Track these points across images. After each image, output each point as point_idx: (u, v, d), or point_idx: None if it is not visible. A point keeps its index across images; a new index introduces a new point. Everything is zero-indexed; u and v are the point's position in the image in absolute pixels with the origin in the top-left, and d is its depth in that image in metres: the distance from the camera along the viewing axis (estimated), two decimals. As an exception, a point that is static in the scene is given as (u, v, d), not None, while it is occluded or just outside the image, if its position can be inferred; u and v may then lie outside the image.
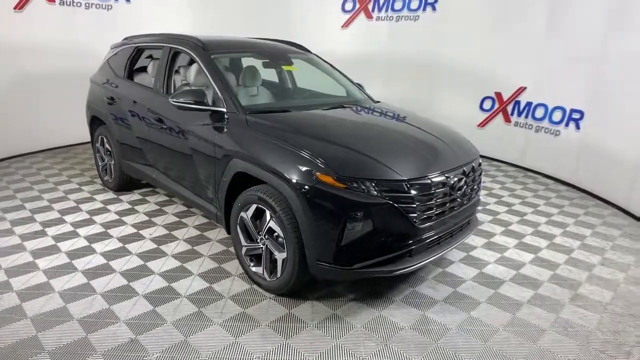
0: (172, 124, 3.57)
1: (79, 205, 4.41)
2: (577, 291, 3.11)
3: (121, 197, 4.64)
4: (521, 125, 6.10)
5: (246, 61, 4.15)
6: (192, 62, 3.69)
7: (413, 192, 2.57)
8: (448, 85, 6.82)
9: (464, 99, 6.70)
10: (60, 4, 6.17)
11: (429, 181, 2.64)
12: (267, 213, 2.77)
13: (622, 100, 4.70)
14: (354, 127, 3.16)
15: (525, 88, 5.97)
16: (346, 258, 2.54)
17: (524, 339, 2.57)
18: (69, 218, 4.11)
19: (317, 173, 2.51)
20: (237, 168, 2.93)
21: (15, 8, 5.77)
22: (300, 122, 3.08)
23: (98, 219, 4.11)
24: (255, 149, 2.84)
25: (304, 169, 2.55)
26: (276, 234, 2.77)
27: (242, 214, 2.96)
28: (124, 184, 4.69)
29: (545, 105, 5.74)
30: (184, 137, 3.44)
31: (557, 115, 5.59)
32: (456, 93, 6.77)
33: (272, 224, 2.76)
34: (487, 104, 6.46)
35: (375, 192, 2.50)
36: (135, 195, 4.70)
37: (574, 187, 5.42)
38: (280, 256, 2.77)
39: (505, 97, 6.23)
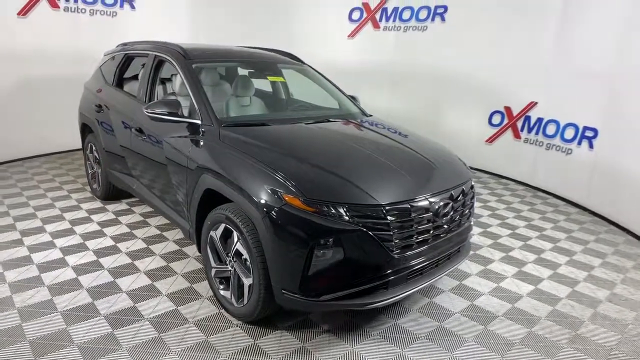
0: (151, 134, 3.42)
1: (63, 214, 4.29)
2: (577, 331, 2.80)
3: (107, 207, 4.52)
4: (531, 142, 5.78)
5: (233, 71, 3.98)
6: None
7: (390, 218, 2.34)
8: (456, 98, 6.55)
9: (472, 113, 6.42)
10: (64, 10, 6.16)
11: (409, 206, 2.41)
12: (235, 234, 2.57)
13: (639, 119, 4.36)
14: (333, 144, 2.94)
15: (536, 103, 5.67)
16: (313, 288, 2.31)
17: (510, 387, 2.30)
18: (49, 227, 3.99)
19: (284, 194, 2.31)
20: (207, 184, 2.75)
21: (19, 14, 5.77)
22: (275, 138, 2.88)
23: (79, 229, 3.98)
24: (223, 164, 2.66)
25: (269, 189, 2.35)
26: (244, 257, 2.57)
27: (212, 233, 2.77)
28: (112, 193, 4.56)
29: (557, 122, 5.42)
30: (161, 148, 3.29)
31: (569, 133, 5.26)
32: (464, 107, 6.49)
33: (239, 247, 2.56)
34: (496, 119, 6.17)
35: (347, 218, 2.27)
36: (122, 205, 4.57)
37: (585, 209, 5.07)
38: (247, 281, 2.56)
39: (515, 112, 5.93)
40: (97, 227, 4.04)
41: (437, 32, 6.56)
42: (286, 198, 2.29)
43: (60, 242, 3.72)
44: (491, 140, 6.29)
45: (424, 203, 2.48)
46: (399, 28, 6.93)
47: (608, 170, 4.79)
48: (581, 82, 5.03)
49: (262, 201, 2.34)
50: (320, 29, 7.58)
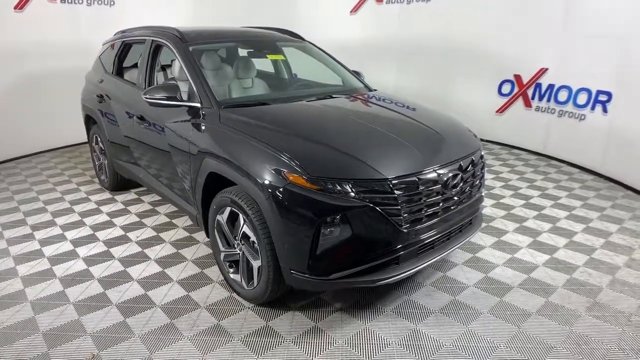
0: (153, 121, 3.38)
1: (73, 207, 4.30)
2: (596, 299, 2.73)
3: (116, 197, 4.52)
4: (543, 109, 5.62)
5: (234, 51, 3.90)
6: None
7: (397, 192, 2.27)
8: (464, 69, 6.38)
9: (481, 84, 6.25)
10: (61, 1, 6.07)
11: (416, 179, 2.33)
12: (241, 217, 2.53)
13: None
14: (335, 120, 2.86)
15: (546, 69, 5.49)
16: (322, 267, 2.27)
17: (528, 358, 2.24)
18: (60, 220, 4.00)
19: (288, 173, 2.25)
20: (210, 168, 2.70)
21: (15, 8, 5.71)
22: (276, 117, 2.81)
23: (88, 220, 3.99)
24: (224, 146, 2.60)
25: (272, 168, 2.29)
26: (251, 239, 2.53)
27: (218, 217, 2.74)
28: (119, 184, 4.56)
29: (568, 87, 5.25)
30: (163, 135, 3.25)
31: (582, 98, 5.10)
32: (473, 78, 6.32)
33: (246, 229, 2.52)
34: (506, 88, 6.00)
35: (352, 194, 2.21)
36: (130, 195, 4.57)
37: (601, 176, 4.94)
38: (255, 264, 2.54)
39: (525, 80, 5.76)
40: (107, 218, 4.04)
41: (441, 2, 6.35)
42: (290, 177, 2.24)
43: (71, 234, 3.73)
44: (501, 110, 6.13)
45: (432, 175, 2.41)
46: (402, 0, 6.73)
47: (624, 134, 4.63)
48: (593, 45, 4.85)
49: (266, 182, 2.29)
50: (321, 6, 7.40)
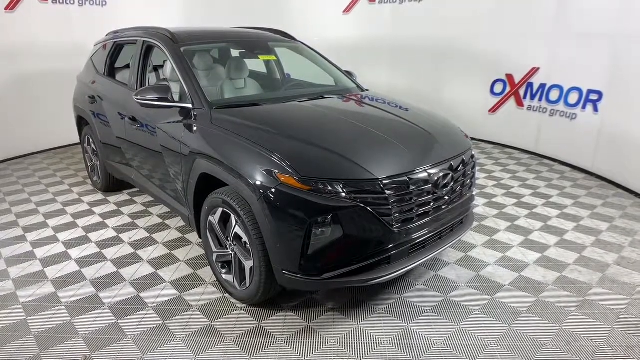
0: (145, 122, 3.37)
1: (65, 208, 4.29)
2: (585, 296, 2.76)
3: (109, 198, 4.50)
4: (535, 109, 5.66)
5: (226, 52, 3.90)
6: None
7: (388, 192, 2.29)
8: (456, 69, 6.42)
9: (473, 84, 6.29)
10: (52, 2, 6.05)
11: (407, 179, 2.35)
12: (233, 218, 2.54)
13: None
14: (326, 120, 2.86)
15: (538, 69, 5.53)
16: (314, 267, 2.28)
17: (518, 356, 2.26)
18: (52, 222, 3.99)
19: (279, 174, 2.25)
20: (202, 169, 2.70)
21: (6, 9, 5.67)
22: (267, 117, 2.82)
23: (81, 222, 3.97)
24: (216, 147, 2.61)
25: (263, 169, 2.30)
26: (243, 240, 2.54)
27: (210, 217, 2.74)
28: (112, 185, 4.54)
29: (560, 87, 5.29)
30: (155, 136, 3.24)
31: (573, 97, 5.14)
32: (465, 77, 6.36)
33: (238, 230, 2.53)
34: (498, 88, 6.04)
35: (343, 194, 2.22)
36: (123, 196, 4.56)
37: (592, 174, 4.98)
38: (248, 264, 2.54)
39: (517, 80, 5.79)
40: (99, 219, 4.03)
41: (433, 2, 6.38)
42: (281, 178, 2.24)
43: (63, 235, 3.72)
44: (494, 110, 6.17)
45: (423, 175, 2.42)
46: (394, 0, 6.75)
47: (614, 132, 4.67)
48: (584, 44, 4.89)
49: (257, 182, 2.29)
50: (314, 6, 7.41)
